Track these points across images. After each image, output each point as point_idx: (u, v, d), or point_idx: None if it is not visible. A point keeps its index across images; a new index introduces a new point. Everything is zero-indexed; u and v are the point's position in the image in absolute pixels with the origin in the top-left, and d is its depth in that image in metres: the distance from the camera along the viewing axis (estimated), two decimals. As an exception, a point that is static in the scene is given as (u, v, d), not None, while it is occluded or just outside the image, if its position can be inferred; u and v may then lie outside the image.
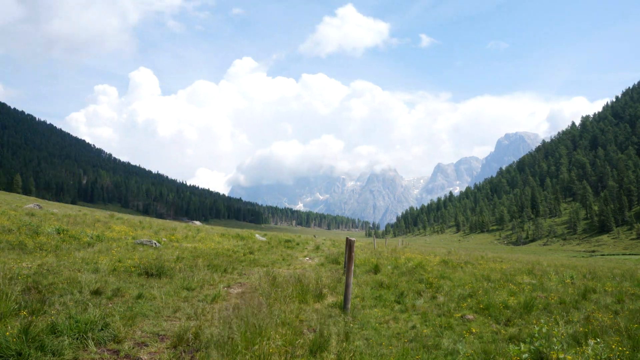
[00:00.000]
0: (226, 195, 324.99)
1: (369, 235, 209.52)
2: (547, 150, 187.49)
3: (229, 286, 9.30)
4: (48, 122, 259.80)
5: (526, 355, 5.21)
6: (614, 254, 74.32)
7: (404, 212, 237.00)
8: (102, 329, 5.31)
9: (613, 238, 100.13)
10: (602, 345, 5.23)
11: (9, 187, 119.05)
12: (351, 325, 6.70)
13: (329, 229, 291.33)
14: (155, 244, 14.42)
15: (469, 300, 8.90)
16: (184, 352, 5.01)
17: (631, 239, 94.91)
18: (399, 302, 8.63)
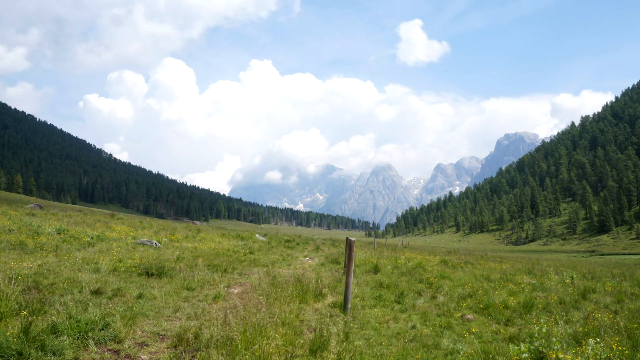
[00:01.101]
0: (226, 195, 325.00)
1: (369, 235, 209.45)
2: (547, 150, 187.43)
3: (229, 286, 9.31)
4: (49, 122, 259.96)
5: (526, 355, 5.22)
6: (613, 254, 74.29)
7: (404, 212, 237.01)
8: (102, 329, 5.31)
9: (612, 238, 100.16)
10: (602, 344, 5.24)
11: (10, 187, 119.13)
12: (351, 325, 6.71)
13: (329, 229, 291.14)
14: (155, 244, 14.43)
15: (468, 300, 8.91)
16: (184, 351, 5.01)
17: (631, 239, 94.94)
18: (399, 302, 8.64)
